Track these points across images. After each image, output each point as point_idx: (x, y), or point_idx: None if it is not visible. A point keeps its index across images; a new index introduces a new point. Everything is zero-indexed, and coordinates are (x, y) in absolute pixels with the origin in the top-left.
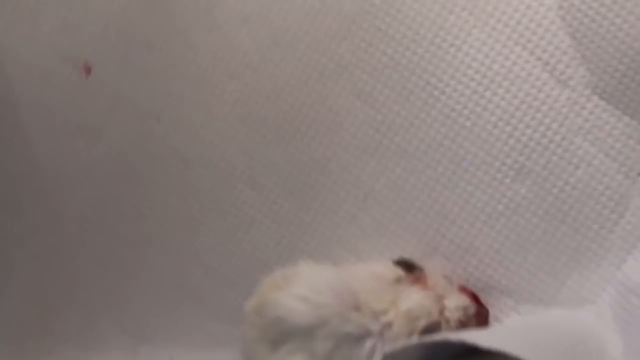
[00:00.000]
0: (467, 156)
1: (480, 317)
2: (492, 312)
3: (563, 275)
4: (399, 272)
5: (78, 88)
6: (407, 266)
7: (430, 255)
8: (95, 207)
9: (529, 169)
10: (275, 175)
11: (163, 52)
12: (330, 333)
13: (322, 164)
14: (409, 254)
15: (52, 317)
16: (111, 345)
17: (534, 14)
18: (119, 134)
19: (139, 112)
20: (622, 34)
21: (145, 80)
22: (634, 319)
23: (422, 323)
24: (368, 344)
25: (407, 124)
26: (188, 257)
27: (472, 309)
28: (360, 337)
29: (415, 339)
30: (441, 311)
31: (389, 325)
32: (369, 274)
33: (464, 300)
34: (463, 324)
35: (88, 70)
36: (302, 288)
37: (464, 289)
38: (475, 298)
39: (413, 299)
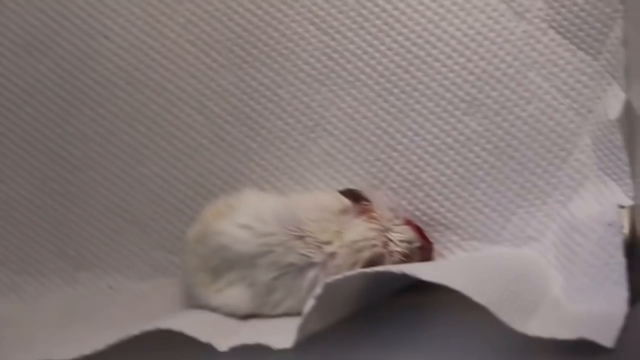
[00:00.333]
0: (418, 87)
1: (424, 251)
2: (437, 248)
3: (509, 212)
4: (345, 202)
5: (27, 2)
6: (354, 197)
7: (378, 187)
8: (38, 128)
9: (481, 102)
10: (224, 101)
11: None
12: (272, 262)
13: (272, 90)
14: (356, 186)
15: None
16: (49, 270)
17: None
18: (65, 51)
19: (87, 30)
20: None
21: None
22: (576, 256)
23: (366, 255)
24: (310, 274)
25: (360, 51)
26: (132, 182)
27: (417, 242)
28: (303, 268)
29: (358, 271)
30: (386, 244)
31: (332, 256)
32: (314, 204)
33: (409, 234)
34: (407, 258)
35: None
36: (246, 216)
37: (409, 223)
38: (420, 232)
39: (358, 230)
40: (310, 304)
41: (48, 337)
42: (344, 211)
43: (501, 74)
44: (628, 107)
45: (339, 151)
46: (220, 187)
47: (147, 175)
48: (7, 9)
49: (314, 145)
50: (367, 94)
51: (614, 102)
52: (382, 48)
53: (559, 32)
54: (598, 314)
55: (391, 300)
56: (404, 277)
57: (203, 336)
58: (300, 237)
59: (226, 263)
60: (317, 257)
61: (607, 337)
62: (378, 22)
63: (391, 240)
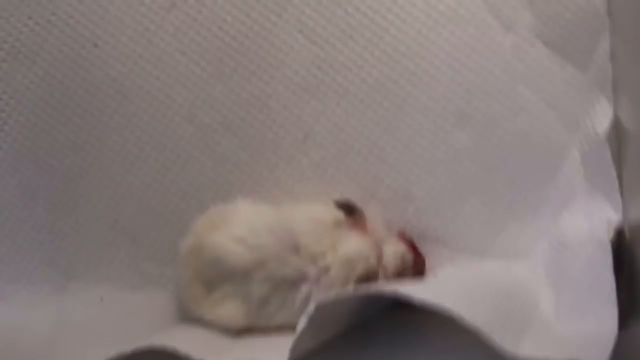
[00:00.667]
0: (408, 99)
1: (417, 265)
2: (427, 262)
3: (498, 227)
4: (339, 215)
5: (14, 7)
6: (348, 209)
7: (368, 200)
8: (28, 136)
9: (470, 115)
10: (214, 111)
11: None
12: (267, 276)
13: (262, 100)
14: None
15: None
16: (40, 280)
17: None
18: (54, 58)
19: (76, 37)
20: None
21: (83, 4)
22: (565, 274)
23: (359, 269)
24: (304, 288)
25: (350, 62)
26: (122, 192)
27: (410, 257)
28: (296, 281)
29: (350, 287)
30: (379, 258)
31: (326, 270)
32: (308, 216)
33: (402, 248)
34: (400, 272)
35: None
36: (240, 229)
37: (402, 237)
38: (412, 246)
39: (352, 244)
40: (302, 324)
41: (38, 349)
42: (337, 224)
43: (490, 86)
44: (616, 122)
45: (329, 163)
46: (211, 198)
47: (138, 186)
48: None
49: (304, 156)
50: (357, 106)
51: (601, 117)
52: (371, 59)
53: (547, 45)
54: (589, 333)
55: (382, 317)
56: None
57: (196, 354)
58: (294, 250)
59: (220, 276)
60: (311, 271)
61: (598, 358)
62: (367, 33)
63: (385, 255)
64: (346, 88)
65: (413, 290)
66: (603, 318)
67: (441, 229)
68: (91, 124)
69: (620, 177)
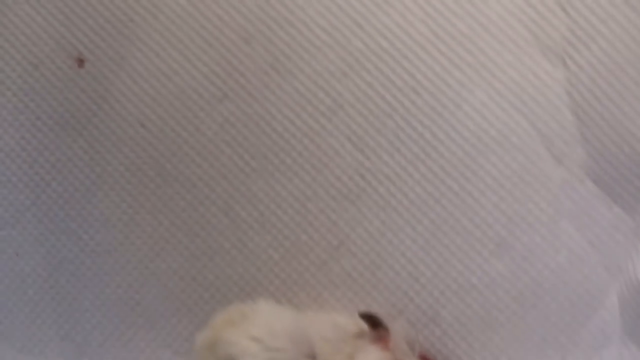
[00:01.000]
0: (448, 220)
1: None
2: None
3: None
4: (363, 326)
5: (67, 79)
6: (373, 322)
7: (395, 317)
8: (63, 206)
9: (509, 245)
10: (251, 206)
11: (159, 58)
12: None
13: (300, 202)
14: (374, 311)
15: None
16: (52, 353)
17: (541, 84)
18: (100, 133)
19: (124, 115)
20: (627, 122)
21: (137, 85)
22: None
23: None
24: None
25: (394, 175)
26: (148, 275)
27: None
28: None
29: None
30: None
31: None
32: (330, 323)
33: None
34: None
35: (80, 63)
36: (258, 328)
37: (424, 359)
38: None
39: (370, 358)
40: None
41: None
42: (359, 335)
43: (533, 218)
44: None
45: (360, 274)
46: (236, 294)
47: (164, 271)
48: (51, 85)
49: (335, 264)
50: (396, 220)
51: None
52: (416, 176)
53: (596, 184)
54: None
55: None
56: None
57: None
58: (311, 356)
59: None
60: None
61: None
62: (415, 148)
63: None
64: (387, 200)
65: None
66: None
67: (467, 356)
68: (127, 202)
69: None
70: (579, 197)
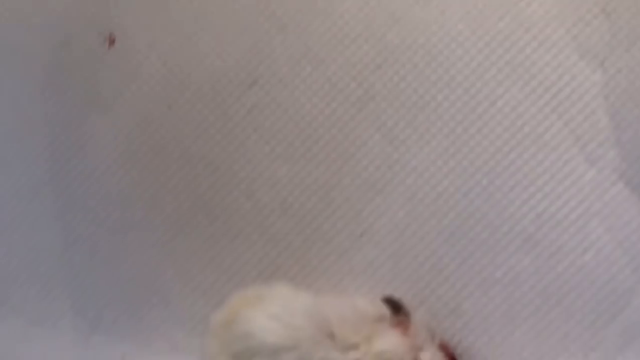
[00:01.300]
0: (475, 214)
1: None
2: None
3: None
4: (384, 310)
5: (96, 57)
6: (395, 306)
7: (416, 307)
8: (81, 183)
9: (537, 241)
10: (275, 191)
11: (190, 41)
12: (298, 357)
13: (325, 189)
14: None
15: (10, 286)
16: (65, 327)
17: (577, 85)
18: (127, 112)
19: (152, 96)
20: None
21: (166, 67)
22: None
23: None
24: None
25: (422, 168)
26: (165, 254)
27: None
28: None
29: None
30: None
31: None
32: (350, 306)
33: (440, 359)
34: None
35: (111, 42)
36: (277, 307)
37: (444, 348)
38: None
39: (389, 341)
40: None
41: None
42: (380, 319)
43: (563, 216)
44: None
45: (382, 263)
46: (254, 277)
47: (182, 251)
48: (80, 62)
49: (358, 252)
50: (422, 212)
51: None
52: (445, 169)
53: (628, 186)
54: None
55: None
56: None
57: None
58: (329, 335)
59: (249, 351)
60: None
61: None
62: (445, 142)
63: None
64: (414, 192)
65: None
66: None
67: (487, 350)
68: (148, 181)
69: None
70: (610, 199)
